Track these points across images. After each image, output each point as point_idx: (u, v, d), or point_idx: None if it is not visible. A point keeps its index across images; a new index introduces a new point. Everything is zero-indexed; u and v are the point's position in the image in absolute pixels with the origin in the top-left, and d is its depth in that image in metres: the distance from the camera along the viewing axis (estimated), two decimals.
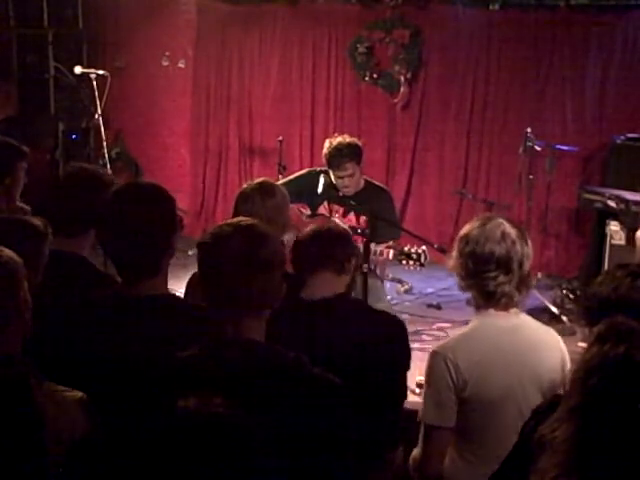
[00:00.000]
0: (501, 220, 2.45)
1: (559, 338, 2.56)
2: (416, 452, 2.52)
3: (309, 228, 2.68)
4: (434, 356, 2.42)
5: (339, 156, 4.55)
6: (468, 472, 2.44)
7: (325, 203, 4.74)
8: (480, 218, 2.50)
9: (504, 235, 2.39)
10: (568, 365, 2.50)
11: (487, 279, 2.38)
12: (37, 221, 2.50)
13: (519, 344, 2.44)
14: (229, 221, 1.98)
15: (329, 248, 2.57)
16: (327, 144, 4.66)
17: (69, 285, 2.47)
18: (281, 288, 1.93)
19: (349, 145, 4.60)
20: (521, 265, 2.40)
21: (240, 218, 2.00)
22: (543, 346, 2.49)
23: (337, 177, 4.61)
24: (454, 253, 2.47)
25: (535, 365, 2.43)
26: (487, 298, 2.42)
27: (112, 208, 2.28)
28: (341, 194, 4.67)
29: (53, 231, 2.65)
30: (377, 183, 4.94)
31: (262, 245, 1.87)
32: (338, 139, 4.64)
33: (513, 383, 2.40)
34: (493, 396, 2.38)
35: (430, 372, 2.43)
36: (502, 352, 2.40)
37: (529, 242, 2.46)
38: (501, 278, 2.38)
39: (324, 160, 4.66)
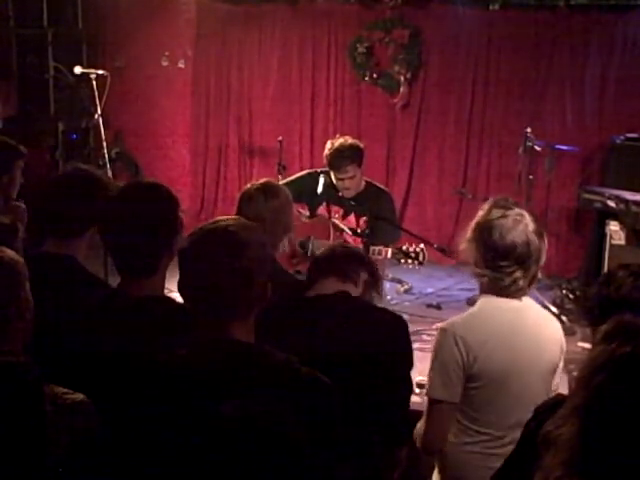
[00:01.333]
0: (520, 211, 2.42)
1: (558, 324, 2.59)
2: (419, 425, 2.53)
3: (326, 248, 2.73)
4: (443, 333, 2.43)
5: (340, 158, 4.55)
6: (471, 449, 2.47)
7: (324, 204, 4.74)
8: (499, 205, 2.44)
9: (526, 230, 2.38)
10: (564, 348, 2.54)
11: (503, 273, 2.38)
12: (4, 219, 2.51)
13: (523, 324, 2.47)
14: (208, 225, 1.92)
15: (341, 262, 2.61)
16: (329, 145, 4.65)
17: (59, 288, 2.45)
18: (266, 291, 1.90)
19: (350, 147, 4.60)
20: (538, 261, 2.41)
21: (220, 221, 1.93)
22: (545, 327, 2.53)
23: (337, 179, 4.61)
24: (469, 236, 2.44)
25: (537, 345, 2.46)
26: (499, 289, 2.43)
27: (114, 206, 2.28)
28: (341, 195, 4.67)
29: (48, 233, 2.65)
30: (378, 185, 4.93)
31: (241, 254, 1.83)
32: (340, 140, 4.64)
33: (516, 361, 2.42)
34: (498, 373, 2.40)
35: (438, 348, 2.43)
36: (507, 330, 2.43)
37: (545, 237, 2.45)
38: (517, 274, 2.38)
39: (325, 161, 4.65)
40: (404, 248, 4.45)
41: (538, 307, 2.58)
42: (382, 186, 5.05)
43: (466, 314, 2.50)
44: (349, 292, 2.57)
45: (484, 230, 2.40)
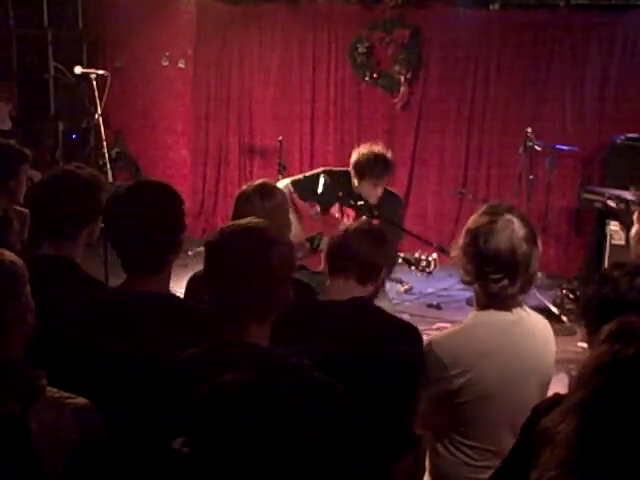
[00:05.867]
0: (510, 217, 2.36)
1: (552, 334, 2.54)
2: None
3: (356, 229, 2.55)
4: (429, 348, 2.40)
5: (382, 167, 4.54)
6: (464, 465, 2.44)
7: (337, 205, 4.71)
8: (489, 211, 2.39)
9: (512, 236, 2.31)
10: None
11: (490, 280, 2.33)
12: None
13: (517, 339, 2.41)
14: (239, 221, 1.94)
15: (359, 261, 2.43)
16: (364, 151, 4.53)
17: (56, 289, 2.42)
18: (286, 296, 1.90)
19: (389, 159, 4.62)
20: (527, 268, 2.34)
21: (251, 219, 1.95)
22: (541, 340, 2.47)
23: (371, 185, 4.55)
24: (459, 243, 2.40)
25: (533, 359, 2.41)
26: (489, 298, 2.38)
27: (121, 205, 2.30)
28: (341, 194, 4.65)
29: (45, 235, 2.64)
30: (389, 188, 4.92)
31: (268, 251, 1.84)
32: (377, 148, 4.59)
33: (510, 377, 2.37)
34: (488, 390, 2.36)
35: (423, 361, 2.40)
36: (499, 347, 2.37)
37: (538, 242, 2.38)
38: (505, 282, 2.32)
39: (358, 167, 4.50)
40: (416, 255, 4.43)
41: (532, 318, 2.49)
42: (392, 190, 5.04)
43: (456, 328, 2.46)
44: (363, 297, 2.43)
45: (470, 237, 2.36)
